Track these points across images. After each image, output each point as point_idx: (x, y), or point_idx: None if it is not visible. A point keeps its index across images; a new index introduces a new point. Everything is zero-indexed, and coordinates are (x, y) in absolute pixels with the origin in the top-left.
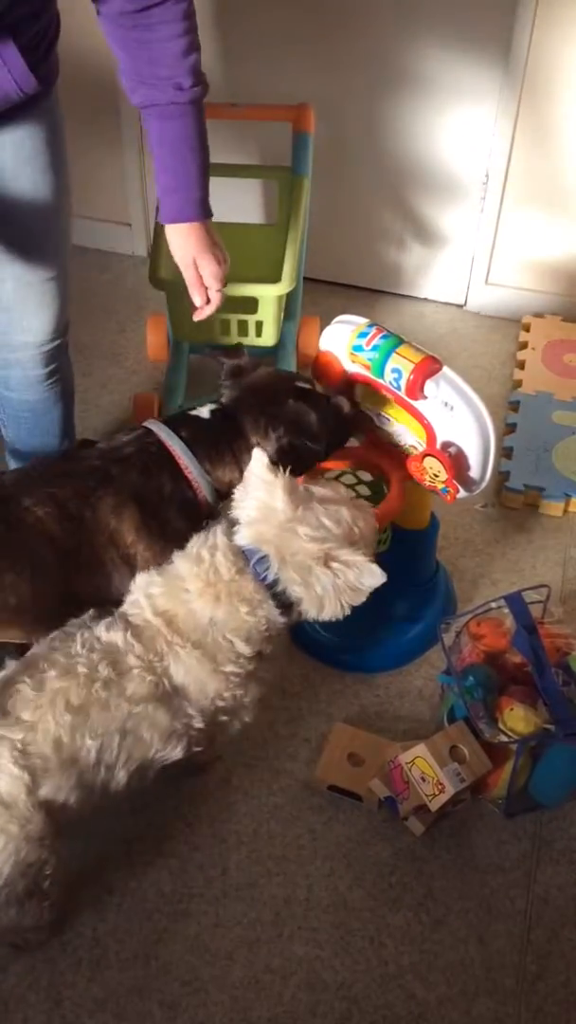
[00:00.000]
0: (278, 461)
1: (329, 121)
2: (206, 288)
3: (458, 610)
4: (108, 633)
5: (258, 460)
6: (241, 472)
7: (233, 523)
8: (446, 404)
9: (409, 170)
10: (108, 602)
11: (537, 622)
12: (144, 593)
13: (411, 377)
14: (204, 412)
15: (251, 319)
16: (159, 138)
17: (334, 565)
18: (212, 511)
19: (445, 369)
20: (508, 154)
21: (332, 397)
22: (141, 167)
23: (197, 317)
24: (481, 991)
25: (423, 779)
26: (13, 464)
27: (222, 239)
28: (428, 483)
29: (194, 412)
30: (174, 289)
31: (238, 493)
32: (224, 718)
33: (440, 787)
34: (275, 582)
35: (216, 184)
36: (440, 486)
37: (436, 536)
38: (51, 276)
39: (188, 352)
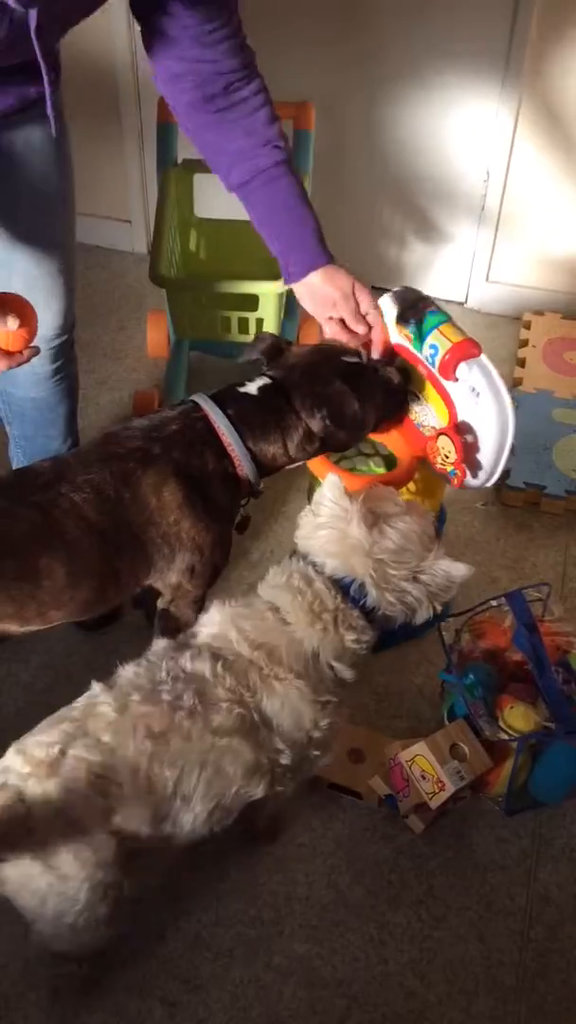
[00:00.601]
0: (324, 438)
1: (330, 119)
2: (364, 316)
3: (456, 606)
4: (193, 663)
5: (332, 485)
6: (286, 449)
7: (305, 555)
8: (473, 390)
9: (410, 167)
10: (146, 584)
11: (537, 620)
12: (235, 627)
13: (447, 356)
14: (252, 388)
15: (252, 316)
16: (271, 203)
17: (423, 578)
18: (253, 489)
19: (482, 356)
20: (509, 152)
21: (380, 369)
22: (141, 164)
23: (364, 344)
24: (481, 989)
25: (423, 777)
26: (16, 461)
27: (224, 236)
28: (439, 464)
29: (243, 389)
30: (174, 286)
31: (304, 519)
32: (316, 753)
33: (440, 785)
34: (375, 608)
35: (217, 181)
36: (449, 468)
37: (441, 528)
38: (58, 270)
39: (188, 349)
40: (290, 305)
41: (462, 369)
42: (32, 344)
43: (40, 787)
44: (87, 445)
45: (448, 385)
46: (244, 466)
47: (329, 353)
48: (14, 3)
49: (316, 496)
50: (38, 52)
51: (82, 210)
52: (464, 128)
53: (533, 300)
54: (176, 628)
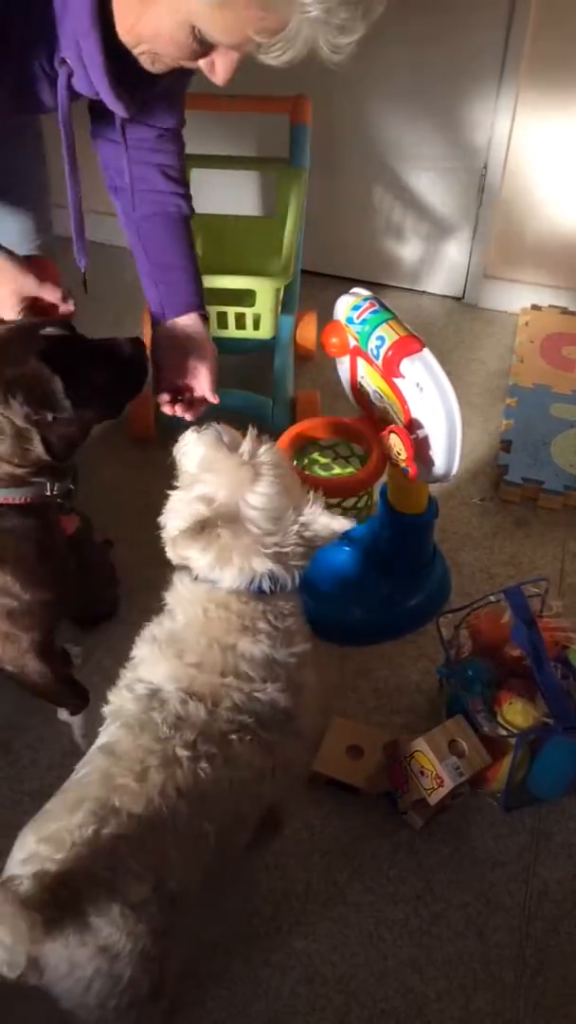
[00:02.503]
0: (44, 435)
1: (327, 113)
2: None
3: (452, 601)
4: (185, 708)
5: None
6: (6, 457)
7: (194, 573)
8: (417, 385)
9: (407, 162)
10: None
11: (536, 616)
12: (186, 664)
13: (389, 353)
14: None
15: (249, 312)
16: (162, 239)
17: (306, 534)
18: (44, 506)
19: (425, 351)
20: (506, 146)
21: (105, 341)
22: None
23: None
24: (480, 985)
25: (422, 773)
26: None
27: (221, 232)
28: (393, 460)
29: None
30: None
31: (177, 541)
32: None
33: (439, 781)
34: (277, 585)
35: (214, 176)
36: (402, 465)
37: (431, 523)
38: (38, 245)
39: None
40: (288, 299)
41: (406, 365)
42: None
43: (78, 865)
44: None
45: (398, 382)
46: None
47: (24, 327)
48: (123, 114)
49: (170, 503)
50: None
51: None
52: (461, 122)
53: (531, 296)
54: (37, 690)
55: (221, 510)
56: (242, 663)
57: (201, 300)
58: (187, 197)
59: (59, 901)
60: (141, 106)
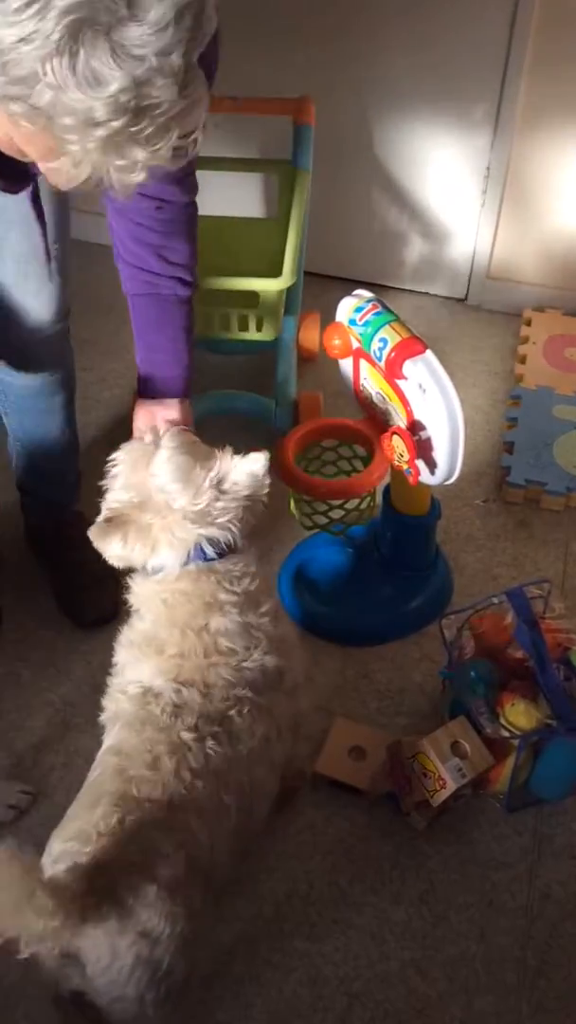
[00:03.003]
0: None
1: (330, 114)
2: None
3: (454, 603)
4: (180, 695)
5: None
6: None
7: (142, 569)
8: (420, 386)
9: (410, 163)
10: None
11: (538, 617)
12: (169, 656)
13: (392, 354)
14: None
15: (251, 314)
16: (150, 319)
17: (227, 487)
18: None
19: (428, 353)
20: (510, 148)
21: None
22: None
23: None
24: (482, 986)
25: (424, 774)
26: (15, 454)
27: (223, 234)
28: (396, 462)
29: None
30: None
31: (94, 539)
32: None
33: (442, 782)
34: (221, 547)
35: (217, 178)
36: (404, 467)
37: (434, 524)
38: (53, 255)
39: None
40: (291, 301)
41: (408, 367)
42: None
43: (108, 853)
44: None
45: (400, 384)
46: None
47: None
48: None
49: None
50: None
51: (81, 207)
52: (465, 123)
53: (534, 297)
54: None
55: (136, 500)
56: (221, 640)
57: (186, 387)
58: (186, 280)
59: (95, 889)
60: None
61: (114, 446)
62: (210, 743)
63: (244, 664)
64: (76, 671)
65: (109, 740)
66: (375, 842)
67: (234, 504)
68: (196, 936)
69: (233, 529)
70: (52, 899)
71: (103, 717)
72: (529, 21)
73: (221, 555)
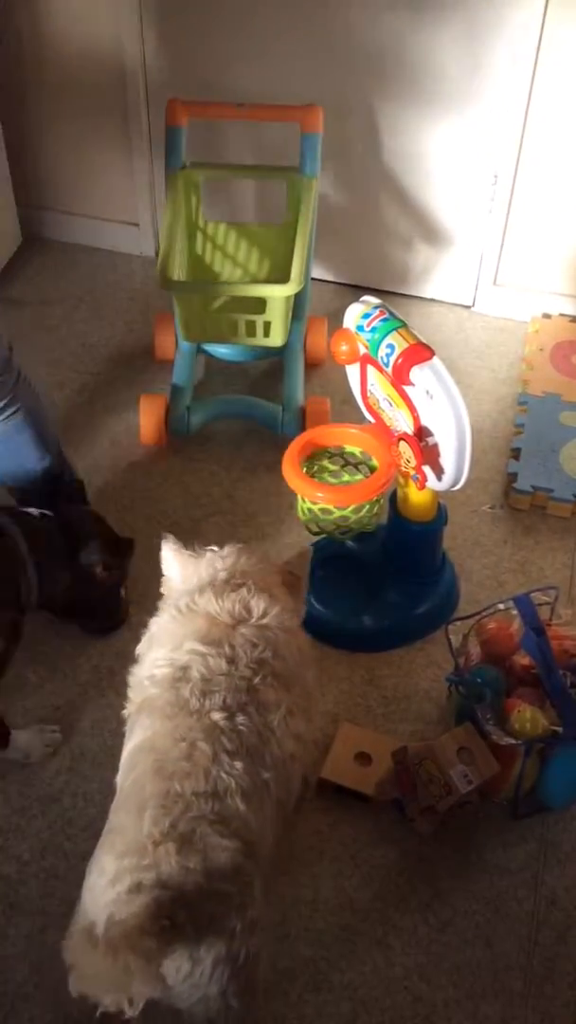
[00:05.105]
0: None
1: (337, 121)
2: None
3: (461, 609)
4: (207, 663)
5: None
6: None
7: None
8: (427, 392)
9: (417, 170)
10: None
11: (545, 624)
12: (198, 618)
13: (399, 360)
14: None
15: (259, 319)
16: None
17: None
18: None
19: (435, 359)
20: (517, 154)
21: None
22: (149, 167)
23: None
24: (488, 993)
25: (431, 780)
26: (2, 483)
27: (231, 239)
28: (403, 468)
29: None
30: (182, 290)
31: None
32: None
33: (448, 788)
34: None
35: (225, 185)
36: (411, 472)
37: (441, 530)
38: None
39: (196, 353)
40: (298, 307)
41: (415, 373)
42: None
43: (176, 865)
44: None
45: (407, 390)
46: None
47: None
48: None
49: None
50: None
51: (90, 213)
52: (471, 130)
53: (541, 304)
54: None
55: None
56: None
57: None
58: None
59: (176, 924)
60: None
61: (120, 449)
62: (240, 718)
63: (263, 622)
64: (81, 676)
65: (136, 737)
66: (381, 848)
67: None
68: (264, 920)
69: None
70: (142, 960)
71: (127, 711)
72: (537, 30)
73: None
